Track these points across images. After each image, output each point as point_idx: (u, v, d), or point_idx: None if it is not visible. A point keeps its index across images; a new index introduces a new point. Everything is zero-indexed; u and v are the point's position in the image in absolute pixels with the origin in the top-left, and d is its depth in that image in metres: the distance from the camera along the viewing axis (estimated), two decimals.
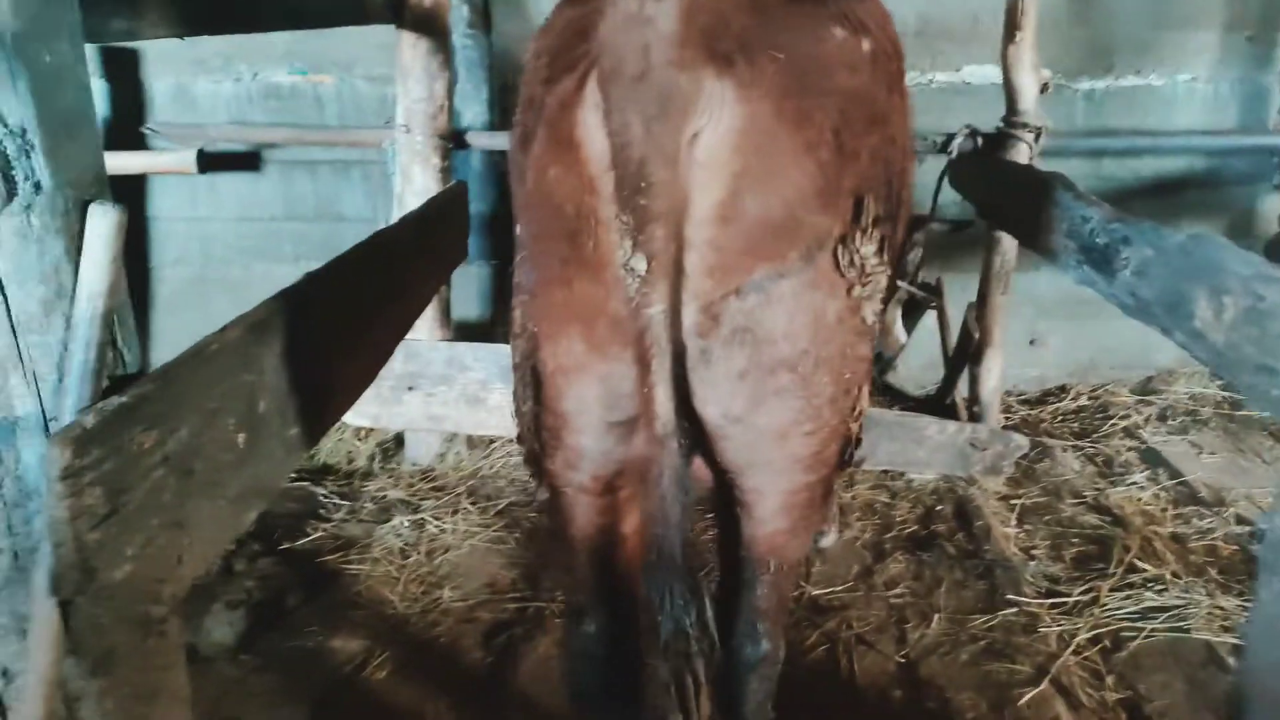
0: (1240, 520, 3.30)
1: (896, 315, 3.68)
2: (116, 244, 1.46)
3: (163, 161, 4.09)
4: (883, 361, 3.68)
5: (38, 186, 1.41)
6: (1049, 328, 4.42)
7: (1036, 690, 2.45)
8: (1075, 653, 2.61)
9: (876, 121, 1.61)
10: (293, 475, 3.80)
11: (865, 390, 1.68)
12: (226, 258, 4.60)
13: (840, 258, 1.51)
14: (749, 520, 1.65)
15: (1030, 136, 3.27)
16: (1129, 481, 3.59)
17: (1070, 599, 2.84)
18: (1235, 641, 2.66)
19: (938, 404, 4.00)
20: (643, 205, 1.31)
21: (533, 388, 1.61)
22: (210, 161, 4.26)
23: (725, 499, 1.67)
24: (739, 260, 1.40)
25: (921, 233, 3.48)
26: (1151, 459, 3.78)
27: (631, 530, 1.74)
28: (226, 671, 2.59)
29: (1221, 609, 2.80)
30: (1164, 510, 3.37)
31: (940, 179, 3.46)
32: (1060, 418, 4.21)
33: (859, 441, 1.75)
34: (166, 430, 1.62)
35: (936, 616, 2.78)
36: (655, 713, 1.54)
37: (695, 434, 1.57)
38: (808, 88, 1.44)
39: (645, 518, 1.57)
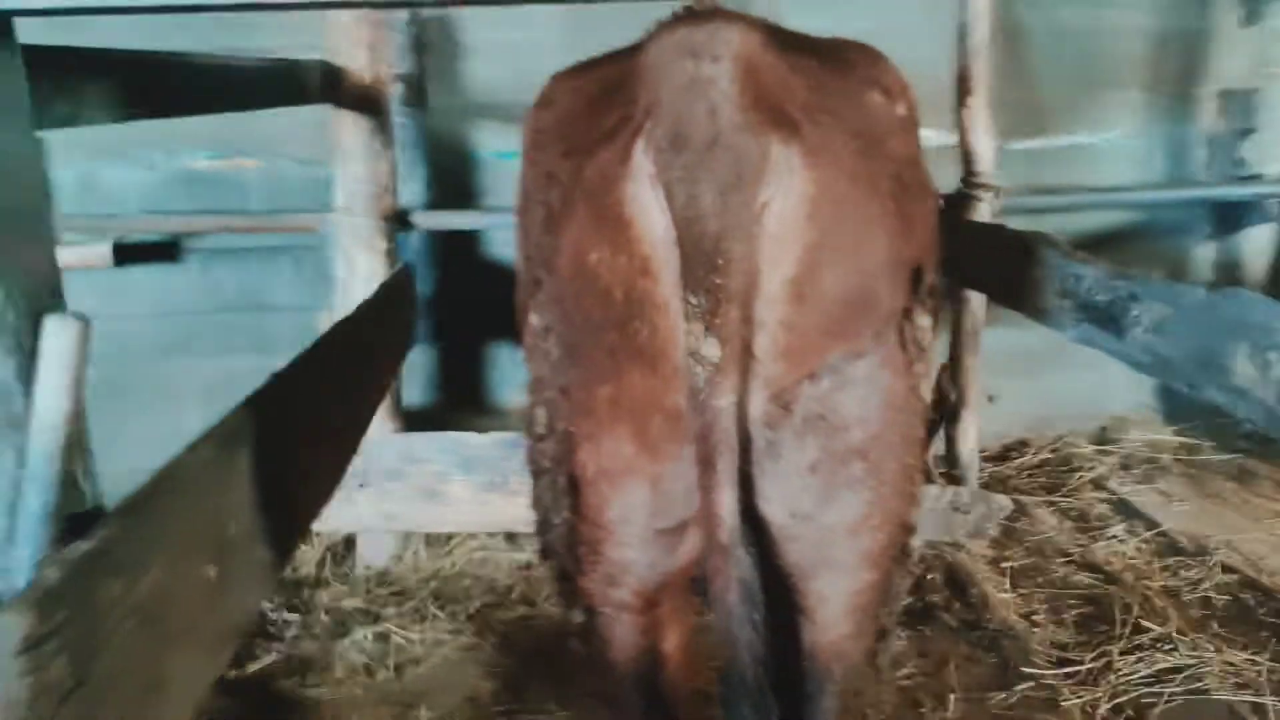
0: (1226, 569, 3.28)
1: None
2: (79, 363, 1.23)
3: (73, 256, 3.77)
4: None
5: None
6: (1003, 383, 4.42)
7: None
8: None
9: (923, 187, 1.51)
10: None
11: (921, 473, 1.55)
12: (144, 356, 4.26)
13: (904, 333, 1.39)
14: (811, 627, 1.48)
15: (990, 196, 3.27)
16: (1109, 535, 3.55)
17: (1083, 667, 2.74)
18: (1253, 699, 2.60)
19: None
20: (718, 284, 1.16)
21: (568, 496, 1.43)
22: (124, 253, 3.96)
23: (783, 606, 1.50)
24: (815, 341, 1.26)
25: None
26: (1125, 510, 3.76)
27: (674, 649, 1.55)
28: None
29: (1232, 665, 2.74)
30: (1150, 563, 3.33)
31: None
32: (1027, 473, 4.18)
33: (913, 530, 1.62)
34: (135, 575, 1.38)
35: (951, 697, 2.64)
36: None
37: (754, 537, 1.41)
38: (869, 153, 1.33)
39: (716, 637, 1.40)
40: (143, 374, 4.24)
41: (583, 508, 1.41)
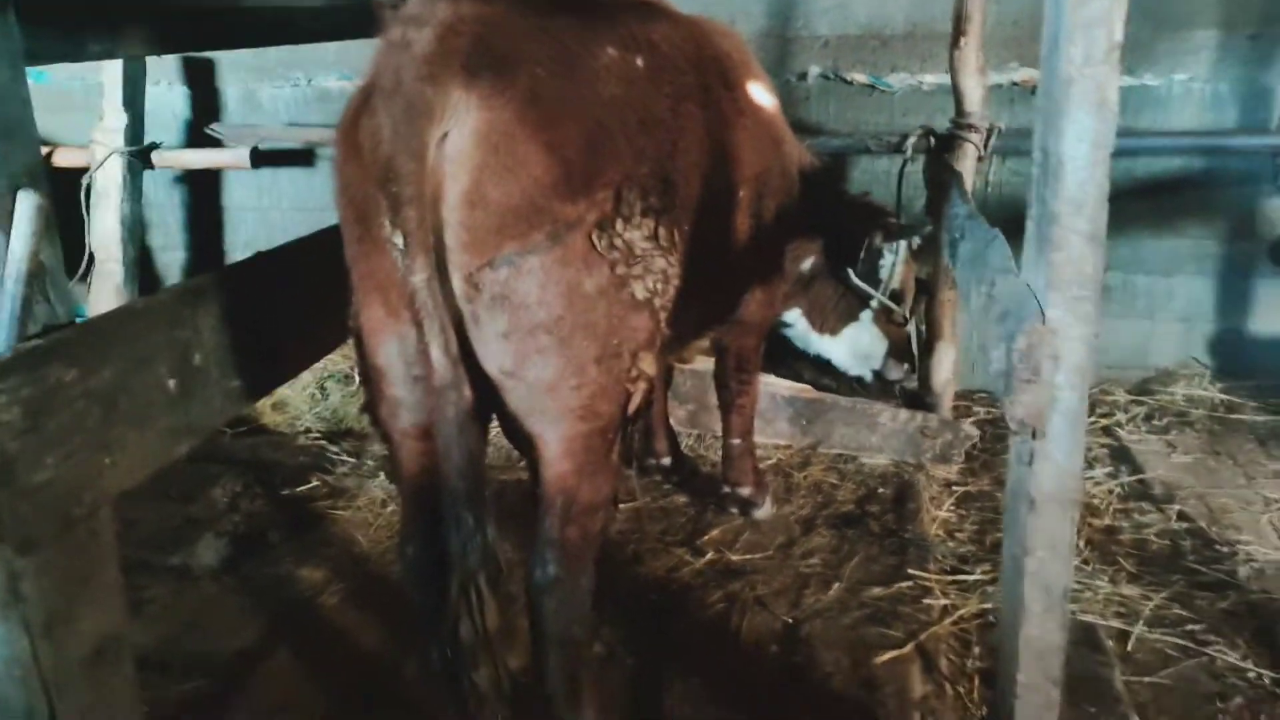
0: (1183, 518, 3.32)
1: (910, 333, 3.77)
2: (37, 221, 1.88)
3: (223, 158, 4.67)
4: (904, 374, 3.80)
5: None
6: None
7: (898, 653, 2.63)
8: (954, 623, 2.76)
9: (650, 127, 1.87)
10: (314, 434, 4.29)
11: (645, 356, 1.93)
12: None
13: (598, 240, 1.77)
14: (540, 462, 1.93)
15: (978, 138, 3.37)
16: (1087, 476, 3.63)
17: (971, 577, 2.98)
18: (1121, 627, 2.75)
19: (917, 396, 4.13)
20: (394, 192, 1.62)
21: (357, 346, 1.96)
22: (266, 158, 4.82)
23: (521, 443, 1.96)
24: (488, 238, 1.69)
25: (887, 237, 3.46)
26: (1119, 456, 3.80)
27: None
28: (208, 589, 3.06)
29: (1121, 596, 2.88)
30: (1108, 505, 3.42)
31: (899, 180, 3.60)
32: None
33: (648, 402, 2.02)
34: (88, 369, 2.03)
35: (836, 585, 2.98)
36: (452, 621, 1.85)
37: (487, 386, 1.88)
38: (561, 97, 1.72)
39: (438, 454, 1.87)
40: None
41: (365, 355, 1.94)
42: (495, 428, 2.09)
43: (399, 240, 1.66)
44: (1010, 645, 1.80)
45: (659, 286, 1.91)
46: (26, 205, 1.87)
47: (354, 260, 1.87)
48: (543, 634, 2.01)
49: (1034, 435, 1.58)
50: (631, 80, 1.85)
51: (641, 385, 1.96)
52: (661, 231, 1.88)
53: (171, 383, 2.29)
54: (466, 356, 1.81)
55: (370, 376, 1.96)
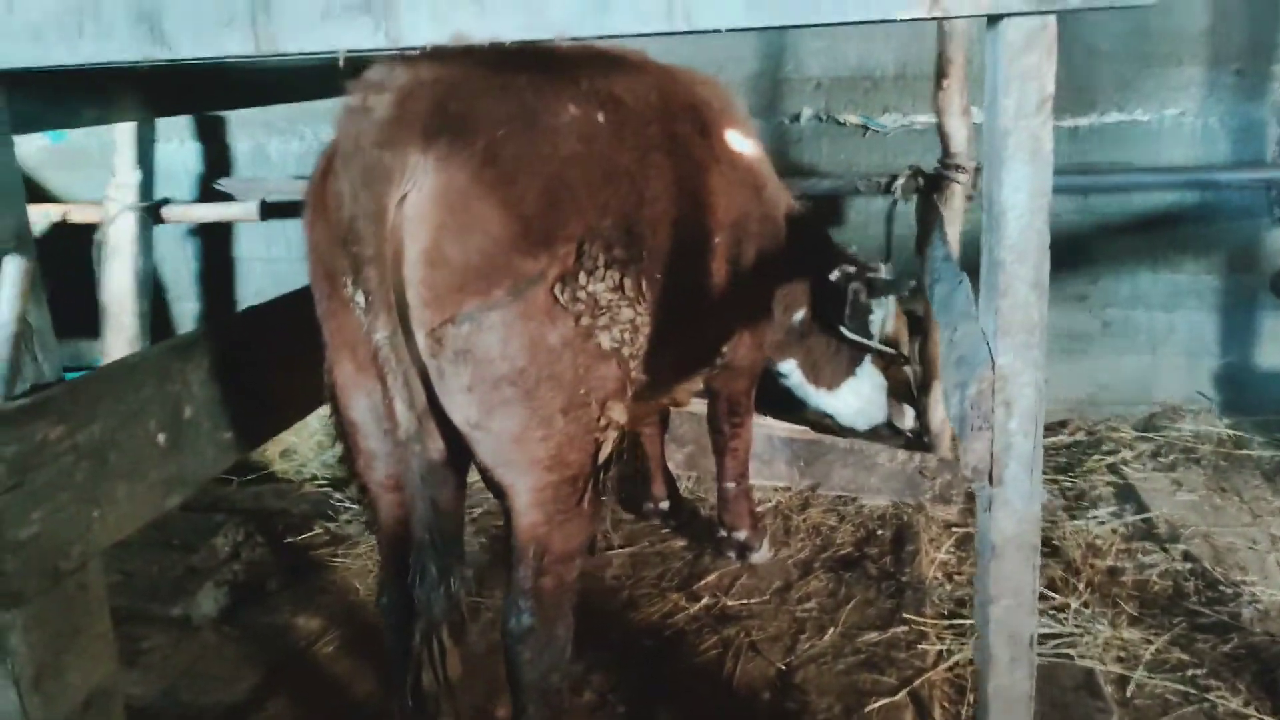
0: (1188, 558, 3.27)
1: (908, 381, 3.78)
2: (23, 284, 1.94)
3: (232, 211, 4.78)
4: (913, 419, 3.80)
5: None
6: (1051, 365, 4.41)
7: (891, 699, 2.59)
8: (949, 669, 2.73)
9: (613, 180, 1.91)
10: (320, 481, 4.33)
11: (614, 405, 1.95)
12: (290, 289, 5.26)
13: (561, 293, 1.80)
14: (511, 510, 1.95)
15: (965, 177, 3.39)
16: (1090, 516, 3.59)
17: (967, 621, 2.94)
18: (1121, 671, 2.71)
19: (915, 436, 4.11)
20: (355, 252, 1.67)
21: (331, 400, 1.99)
22: (274, 210, 4.92)
23: (496, 492, 1.98)
24: (449, 295, 1.73)
25: (871, 293, 3.44)
26: (1124, 494, 3.75)
27: None
28: (208, 638, 3.09)
29: (1122, 639, 2.84)
30: (1111, 545, 3.37)
31: (889, 220, 3.62)
32: (1049, 452, 4.21)
33: (620, 452, 2.03)
34: (76, 425, 2.08)
35: (832, 630, 2.95)
36: (416, 670, 1.88)
37: (455, 439, 1.91)
38: (518, 156, 1.76)
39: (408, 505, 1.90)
40: None
41: (339, 410, 1.98)
42: None
43: (361, 299, 1.70)
44: (982, 696, 1.78)
45: (626, 336, 1.94)
46: (13, 269, 1.93)
47: (324, 318, 1.91)
48: (519, 683, 2.02)
49: (990, 481, 1.57)
50: (593, 136, 1.89)
51: (612, 434, 1.97)
52: (628, 282, 1.91)
53: (161, 436, 2.33)
54: (436, 409, 1.85)
55: (345, 430, 2.00)
